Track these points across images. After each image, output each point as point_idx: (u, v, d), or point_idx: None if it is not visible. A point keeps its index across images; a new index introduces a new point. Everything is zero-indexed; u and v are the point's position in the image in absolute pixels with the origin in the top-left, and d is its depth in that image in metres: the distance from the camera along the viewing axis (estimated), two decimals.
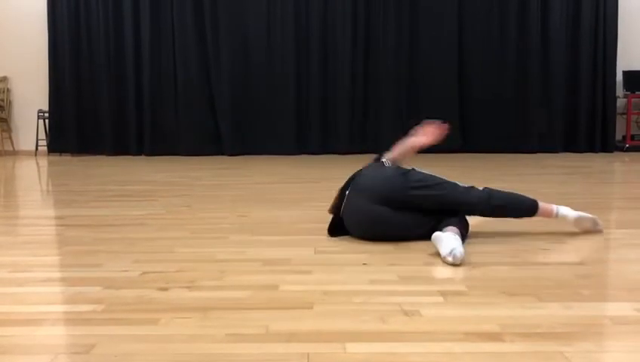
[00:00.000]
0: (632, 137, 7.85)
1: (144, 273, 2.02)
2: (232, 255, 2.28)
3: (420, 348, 1.36)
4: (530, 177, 4.94)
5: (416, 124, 2.80)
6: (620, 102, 7.99)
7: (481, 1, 7.83)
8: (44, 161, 7.27)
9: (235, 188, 4.44)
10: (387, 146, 2.86)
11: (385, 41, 7.86)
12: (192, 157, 7.53)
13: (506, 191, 2.61)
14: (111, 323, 1.54)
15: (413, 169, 2.59)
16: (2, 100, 8.22)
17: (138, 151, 8.06)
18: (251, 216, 3.13)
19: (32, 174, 5.83)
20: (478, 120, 7.88)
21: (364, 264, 2.12)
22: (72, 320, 1.57)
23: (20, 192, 4.40)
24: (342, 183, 2.62)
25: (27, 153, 8.36)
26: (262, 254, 2.28)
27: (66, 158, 7.81)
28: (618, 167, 6.00)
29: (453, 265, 2.07)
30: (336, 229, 2.59)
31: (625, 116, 7.91)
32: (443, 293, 1.76)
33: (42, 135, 8.30)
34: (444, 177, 2.59)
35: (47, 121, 8.21)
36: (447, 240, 2.15)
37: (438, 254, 2.16)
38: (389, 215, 2.44)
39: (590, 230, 2.62)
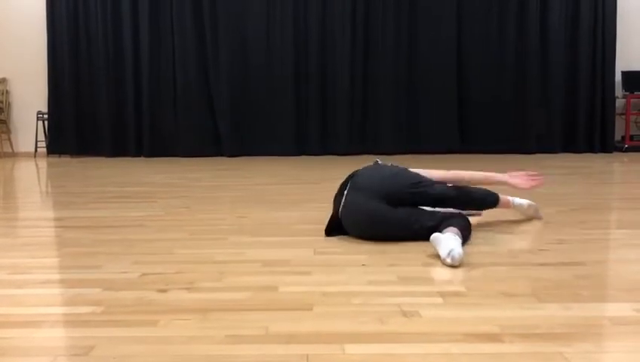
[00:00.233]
0: (631, 137, 7.85)
1: (143, 274, 2.02)
2: (231, 256, 2.28)
3: (419, 349, 1.36)
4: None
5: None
6: (619, 103, 7.99)
7: (479, 2, 7.84)
8: (43, 163, 7.27)
9: (235, 189, 4.44)
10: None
11: (384, 43, 7.86)
12: (191, 159, 7.53)
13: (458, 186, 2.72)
14: (110, 325, 1.53)
15: (406, 169, 2.66)
16: (1, 102, 8.21)
17: (137, 153, 8.06)
18: (251, 217, 3.13)
19: (31, 176, 5.82)
20: (477, 121, 7.88)
21: (364, 265, 2.12)
22: (71, 321, 1.57)
23: (19, 194, 4.40)
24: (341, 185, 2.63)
25: (26, 155, 8.36)
26: (261, 255, 2.28)
27: (65, 160, 7.81)
28: (617, 167, 6.00)
29: (452, 266, 2.07)
30: (333, 230, 2.60)
31: (624, 116, 7.92)
32: (442, 294, 1.76)
33: (41, 136, 8.29)
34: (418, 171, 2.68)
35: (46, 122, 8.20)
36: (445, 241, 2.15)
37: (437, 255, 2.16)
38: (388, 212, 2.45)
39: (533, 216, 3.00)
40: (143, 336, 1.45)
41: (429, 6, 7.81)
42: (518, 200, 2.95)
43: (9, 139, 8.33)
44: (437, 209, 2.60)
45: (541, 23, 7.81)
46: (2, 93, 8.23)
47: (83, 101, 8.07)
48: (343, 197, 2.55)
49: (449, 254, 2.08)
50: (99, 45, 7.98)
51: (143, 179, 5.20)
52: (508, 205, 2.90)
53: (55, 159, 7.89)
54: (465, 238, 2.38)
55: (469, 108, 7.91)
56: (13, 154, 8.35)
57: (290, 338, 1.42)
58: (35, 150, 8.31)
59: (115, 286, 1.87)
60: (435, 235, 2.21)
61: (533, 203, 3.00)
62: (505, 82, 7.85)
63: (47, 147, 8.17)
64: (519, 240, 2.52)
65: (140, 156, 8.02)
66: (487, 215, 2.96)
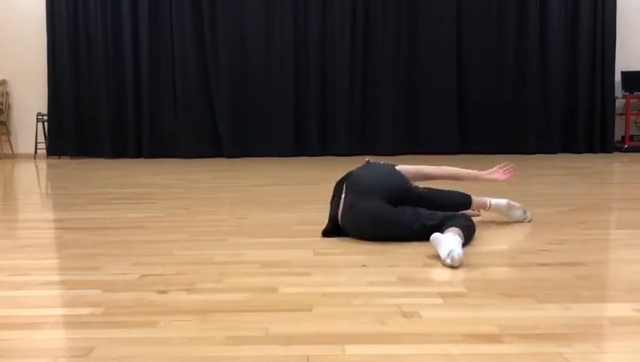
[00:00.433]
0: (631, 138, 7.85)
1: (143, 276, 2.02)
2: (231, 257, 2.28)
3: (419, 349, 1.36)
4: (529, 178, 4.94)
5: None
6: (619, 103, 7.99)
7: (479, 2, 7.83)
8: (43, 164, 7.27)
9: (234, 190, 4.44)
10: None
11: (384, 43, 7.86)
12: (190, 160, 7.53)
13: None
14: (110, 326, 1.53)
15: (394, 167, 2.72)
16: (1, 103, 8.21)
17: (137, 154, 8.05)
18: (250, 219, 3.13)
19: (31, 177, 5.82)
20: (477, 122, 7.88)
21: (364, 265, 2.12)
22: (71, 323, 1.57)
23: (19, 195, 4.40)
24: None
25: (26, 156, 8.35)
26: (261, 256, 2.28)
27: (65, 161, 7.80)
28: (617, 167, 6.00)
29: (452, 267, 2.07)
30: (331, 232, 2.60)
31: (624, 117, 7.92)
32: (442, 295, 1.76)
33: (41, 138, 8.29)
34: None
35: (46, 124, 8.20)
36: (445, 241, 2.15)
37: (437, 255, 2.16)
38: (390, 212, 2.46)
39: (521, 219, 2.86)
40: (142, 337, 1.45)
41: (429, 6, 7.81)
42: (495, 201, 2.83)
43: (9, 141, 8.32)
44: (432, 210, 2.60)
45: (541, 23, 7.81)
46: (2, 95, 8.23)
47: (83, 102, 8.07)
48: (342, 200, 2.55)
49: (449, 255, 2.07)
50: (99, 46, 7.97)
51: (142, 181, 5.20)
52: (485, 206, 2.81)
53: (55, 160, 7.89)
54: (467, 239, 2.38)
55: (469, 108, 7.90)
56: (13, 156, 8.35)
57: (290, 339, 1.42)
58: (35, 151, 8.31)
59: (114, 288, 1.87)
60: (434, 235, 2.21)
61: (515, 203, 2.87)
62: (505, 82, 7.85)
63: (47, 148, 8.17)
64: (519, 241, 2.52)
65: (139, 157, 8.02)
66: (487, 215, 2.96)
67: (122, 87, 8.01)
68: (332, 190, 2.71)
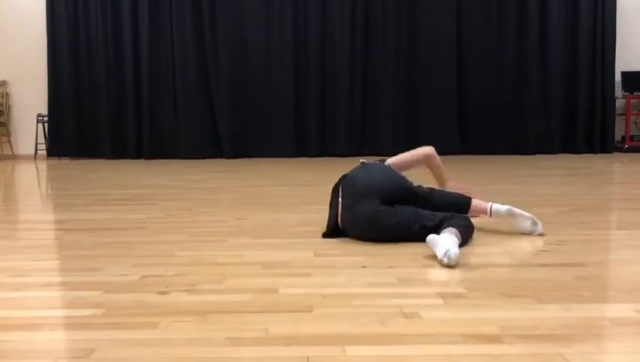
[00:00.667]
0: (631, 138, 7.85)
1: (144, 277, 2.02)
2: (231, 258, 2.28)
3: (419, 350, 1.36)
4: (529, 178, 4.94)
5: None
6: (619, 103, 7.99)
7: (479, 3, 7.84)
8: (43, 165, 7.27)
9: (234, 191, 4.44)
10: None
11: (384, 44, 7.87)
12: (190, 161, 7.53)
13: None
14: (110, 328, 1.54)
15: (390, 166, 2.75)
16: (1, 104, 8.21)
17: (137, 155, 8.05)
18: (250, 219, 3.13)
19: (32, 178, 5.83)
20: (477, 122, 7.88)
21: (364, 266, 2.12)
22: (71, 324, 1.57)
23: (19, 196, 4.40)
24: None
25: (26, 157, 8.36)
26: (261, 257, 2.28)
27: (65, 162, 7.81)
28: (617, 167, 6.00)
29: (449, 266, 2.07)
30: (331, 234, 2.60)
31: (624, 117, 7.92)
32: (442, 295, 1.76)
33: (41, 139, 8.29)
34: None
35: (46, 125, 8.20)
36: (442, 241, 2.15)
37: (436, 256, 2.16)
38: (389, 213, 2.46)
39: (528, 232, 2.61)
40: (143, 339, 1.46)
41: (429, 6, 7.81)
42: (495, 206, 2.63)
43: (9, 142, 8.33)
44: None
45: (541, 24, 7.81)
46: (2, 96, 8.23)
47: (83, 103, 8.07)
48: (339, 203, 2.56)
49: (445, 254, 2.08)
50: (99, 47, 7.98)
51: (143, 182, 5.20)
52: (485, 211, 2.65)
53: (55, 161, 7.89)
54: (465, 239, 2.38)
55: (469, 108, 7.91)
56: (14, 157, 8.35)
57: (291, 340, 1.42)
58: (35, 152, 8.31)
59: (115, 289, 1.87)
60: (430, 237, 2.21)
61: (523, 212, 2.63)
62: (505, 82, 7.85)
63: (47, 149, 8.17)
64: (519, 241, 2.52)
65: (139, 158, 8.02)
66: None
67: (122, 87, 8.01)
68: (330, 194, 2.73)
